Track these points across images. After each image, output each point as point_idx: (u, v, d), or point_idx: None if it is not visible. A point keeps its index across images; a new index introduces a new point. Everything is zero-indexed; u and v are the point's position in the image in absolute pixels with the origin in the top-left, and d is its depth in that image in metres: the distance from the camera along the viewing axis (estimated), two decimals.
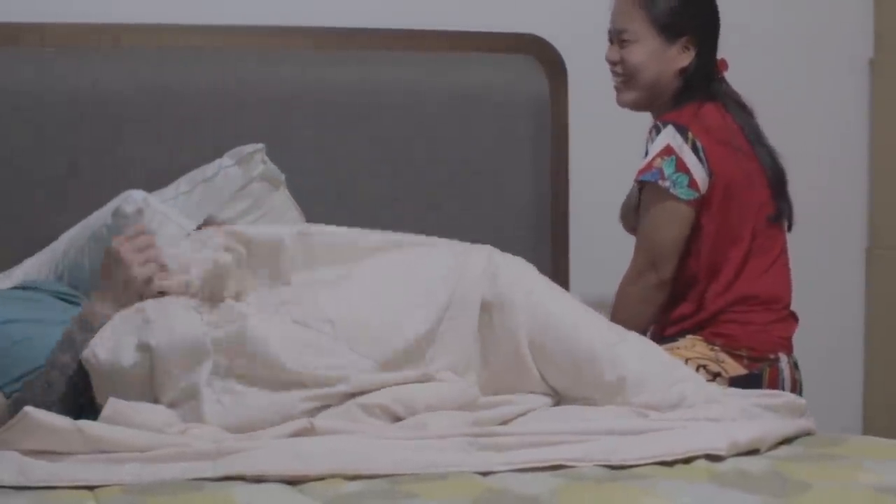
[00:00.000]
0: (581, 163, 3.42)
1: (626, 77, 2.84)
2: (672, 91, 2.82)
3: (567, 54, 3.36)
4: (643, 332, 2.72)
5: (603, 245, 3.48)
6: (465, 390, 2.30)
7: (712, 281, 2.77)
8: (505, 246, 3.29)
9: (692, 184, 2.70)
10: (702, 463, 2.08)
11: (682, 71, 2.81)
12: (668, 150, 2.70)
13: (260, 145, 3.01)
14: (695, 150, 2.70)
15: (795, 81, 3.73)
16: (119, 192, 2.86)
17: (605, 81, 3.46)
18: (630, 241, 3.36)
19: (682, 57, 2.80)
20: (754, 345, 2.75)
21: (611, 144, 3.50)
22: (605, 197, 3.49)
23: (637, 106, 2.88)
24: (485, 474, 2.00)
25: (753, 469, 2.04)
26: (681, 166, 2.70)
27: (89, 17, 3.10)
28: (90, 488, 1.92)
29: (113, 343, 2.18)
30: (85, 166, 3.04)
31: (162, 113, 3.06)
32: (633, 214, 2.91)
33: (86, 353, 2.18)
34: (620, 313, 2.77)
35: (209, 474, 1.94)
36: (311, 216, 3.12)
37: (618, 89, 2.88)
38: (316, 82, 3.18)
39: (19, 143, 3.01)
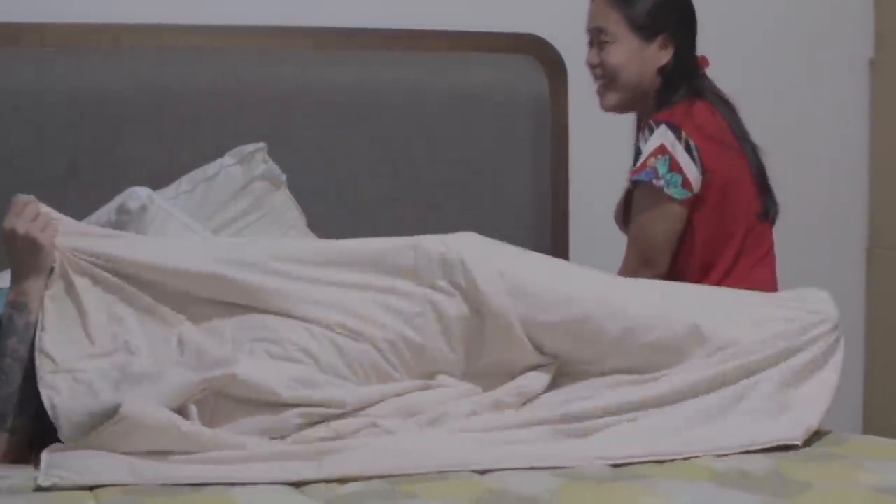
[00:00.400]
0: (581, 163, 3.42)
1: (607, 80, 2.83)
2: (654, 90, 2.82)
3: (567, 54, 3.36)
4: None
5: (603, 245, 3.47)
6: (471, 389, 2.31)
7: (704, 278, 2.77)
8: None
9: (685, 183, 2.70)
10: (702, 462, 2.08)
11: (662, 69, 2.81)
12: (661, 150, 2.70)
13: (261, 144, 3.01)
14: (688, 149, 2.70)
15: (795, 81, 3.73)
16: (119, 192, 2.86)
17: None
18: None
19: (660, 55, 2.80)
20: None
21: (611, 144, 3.50)
22: (604, 197, 3.49)
23: (621, 108, 2.88)
24: (482, 473, 2.01)
25: (754, 469, 2.04)
26: (674, 165, 2.70)
27: (89, 17, 3.10)
28: (120, 486, 1.92)
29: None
30: (85, 166, 3.04)
31: (162, 113, 3.06)
32: (625, 214, 2.91)
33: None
34: None
35: (314, 476, 1.96)
36: (312, 216, 3.12)
37: (600, 94, 2.87)
38: (316, 82, 3.18)
39: (19, 143, 3.01)
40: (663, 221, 2.74)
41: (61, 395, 2.09)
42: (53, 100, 3.01)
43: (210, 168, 2.99)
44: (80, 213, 2.88)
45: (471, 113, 3.27)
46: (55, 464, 1.96)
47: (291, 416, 2.17)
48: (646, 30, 2.78)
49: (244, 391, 2.17)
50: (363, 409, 2.22)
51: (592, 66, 2.85)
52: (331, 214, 3.19)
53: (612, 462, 2.06)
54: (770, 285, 2.82)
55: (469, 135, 3.28)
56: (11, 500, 1.90)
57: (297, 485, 1.95)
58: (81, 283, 2.28)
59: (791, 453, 2.16)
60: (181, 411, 2.09)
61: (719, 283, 2.76)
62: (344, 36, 3.27)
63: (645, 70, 2.80)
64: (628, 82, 2.81)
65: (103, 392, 2.07)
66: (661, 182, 2.69)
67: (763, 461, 2.09)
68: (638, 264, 2.75)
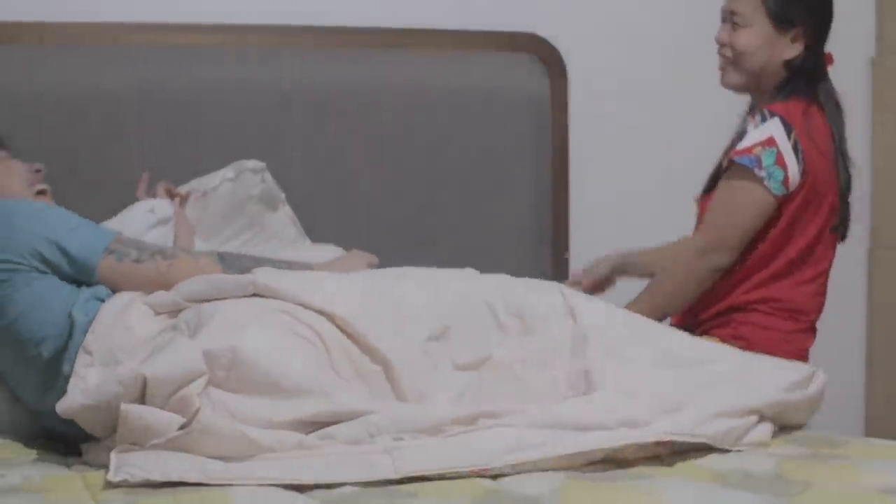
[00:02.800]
0: (581, 163, 3.41)
1: (732, 59, 2.80)
2: (777, 81, 2.78)
3: (567, 54, 3.36)
4: (673, 314, 2.73)
5: (603, 245, 3.46)
6: None
7: (756, 273, 2.75)
8: (505, 246, 3.31)
9: (785, 181, 2.67)
10: (703, 462, 2.08)
11: (789, 62, 2.77)
12: (770, 142, 2.66)
13: (261, 164, 3.02)
14: (795, 149, 2.68)
15: None
16: (119, 193, 2.87)
17: (606, 81, 3.47)
18: (627, 242, 3.36)
19: (790, 48, 2.76)
20: (773, 352, 2.72)
21: (611, 144, 3.50)
22: (605, 197, 3.49)
23: (740, 89, 2.83)
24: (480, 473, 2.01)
25: (755, 469, 2.04)
26: (780, 161, 2.66)
27: (89, 16, 3.10)
28: (126, 487, 1.94)
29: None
30: (85, 166, 3.04)
31: (162, 113, 3.06)
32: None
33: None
34: (668, 285, 2.71)
35: (390, 475, 1.96)
36: (311, 216, 3.12)
37: (722, 70, 2.82)
38: (316, 82, 3.18)
39: (19, 143, 3.00)
40: (753, 211, 2.68)
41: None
42: (53, 99, 3.01)
43: (211, 180, 3.00)
44: (80, 213, 2.88)
45: (471, 113, 3.27)
46: (125, 462, 1.99)
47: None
48: (781, 20, 2.74)
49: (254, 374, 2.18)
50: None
51: (721, 45, 2.81)
52: (330, 215, 3.19)
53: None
54: (816, 305, 2.80)
55: (469, 134, 3.28)
56: (12, 499, 1.90)
57: (299, 488, 1.95)
58: None
59: (792, 453, 2.15)
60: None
61: (767, 282, 2.73)
62: (344, 36, 3.27)
63: (772, 59, 2.76)
64: (752, 68, 2.77)
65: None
66: (763, 173, 2.65)
67: (764, 461, 2.08)
68: (711, 246, 2.69)
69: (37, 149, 3.01)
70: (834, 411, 2.95)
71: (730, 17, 2.78)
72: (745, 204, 2.68)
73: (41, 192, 2.66)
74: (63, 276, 2.38)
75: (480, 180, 3.29)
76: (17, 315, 2.32)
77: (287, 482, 1.95)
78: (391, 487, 1.94)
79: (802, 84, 2.75)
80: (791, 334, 2.77)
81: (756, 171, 2.65)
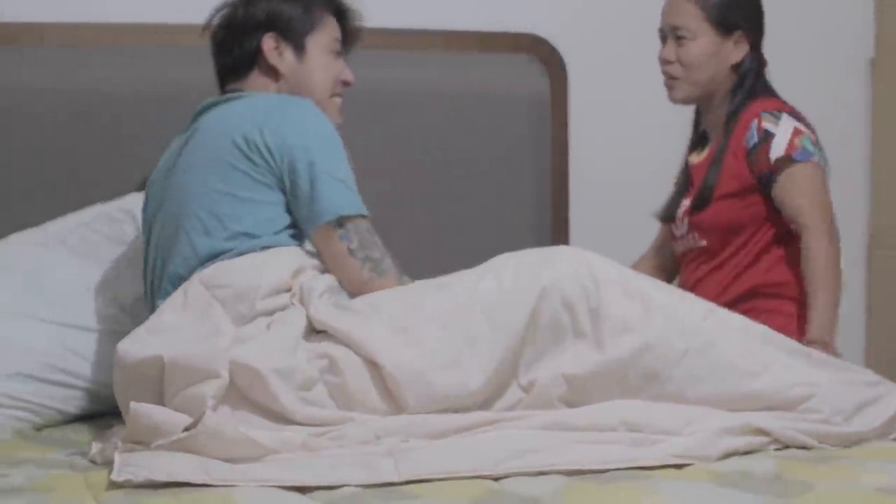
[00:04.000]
0: (581, 163, 3.42)
1: (681, 74, 2.82)
2: (727, 86, 2.83)
3: (567, 54, 3.36)
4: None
5: (603, 245, 3.44)
6: None
7: (769, 252, 2.82)
8: (505, 246, 3.30)
9: (824, 154, 2.80)
10: (703, 462, 2.08)
11: (736, 66, 2.82)
12: (798, 131, 2.76)
13: None
14: (812, 131, 2.80)
15: (795, 81, 3.72)
16: (119, 193, 2.87)
17: (606, 81, 3.47)
18: (628, 242, 3.37)
19: (735, 52, 2.82)
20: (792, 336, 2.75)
21: (611, 144, 3.50)
22: (605, 197, 3.49)
23: (690, 101, 2.89)
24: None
25: (755, 469, 2.04)
26: (815, 142, 2.79)
27: (89, 16, 3.10)
28: (127, 488, 1.94)
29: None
30: (85, 166, 3.04)
31: (162, 113, 3.05)
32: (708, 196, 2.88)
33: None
34: (834, 279, 2.73)
35: (393, 478, 1.95)
36: None
37: (669, 87, 2.86)
38: None
39: (19, 143, 3.01)
40: (827, 187, 2.79)
41: None
42: (53, 100, 3.01)
43: None
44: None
45: (471, 113, 3.28)
46: (129, 462, 1.99)
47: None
48: (724, 25, 2.80)
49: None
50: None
51: (667, 62, 2.84)
52: None
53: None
54: (801, 290, 2.83)
55: (469, 135, 3.28)
56: (12, 499, 1.90)
57: (301, 489, 1.95)
58: None
59: (791, 454, 2.16)
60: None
61: (774, 266, 2.80)
62: None
63: (720, 66, 2.82)
64: (703, 78, 2.83)
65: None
66: (816, 157, 2.77)
67: (764, 461, 2.08)
68: (828, 229, 2.75)
69: (37, 148, 3.02)
70: None
71: (672, 33, 2.82)
72: (820, 183, 2.77)
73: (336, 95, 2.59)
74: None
75: (480, 180, 3.29)
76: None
77: (289, 483, 1.95)
78: (392, 488, 1.94)
79: (754, 83, 2.83)
80: (800, 319, 2.79)
81: (810, 158, 2.75)
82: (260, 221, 2.36)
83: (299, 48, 2.53)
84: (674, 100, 2.88)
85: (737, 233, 2.81)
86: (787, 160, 2.75)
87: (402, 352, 2.18)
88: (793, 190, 2.75)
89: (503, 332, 2.20)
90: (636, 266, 3.03)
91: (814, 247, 2.73)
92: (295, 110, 2.39)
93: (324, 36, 2.56)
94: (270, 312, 2.26)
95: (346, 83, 2.59)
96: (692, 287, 2.85)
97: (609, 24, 3.47)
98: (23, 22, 3.04)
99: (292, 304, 2.28)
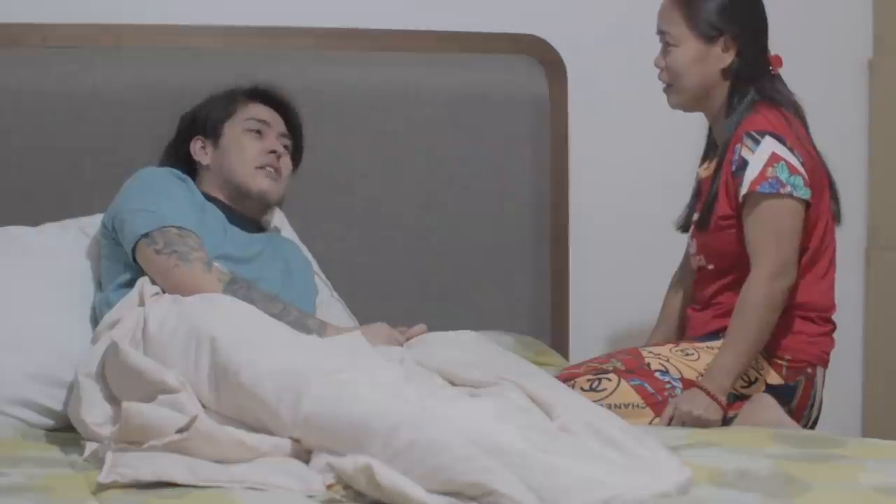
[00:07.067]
0: (581, 163, 3.42)
1: (670, 81, 2.80)
2: (723, 92, 2.78)
3: (567, 54, 3.36)
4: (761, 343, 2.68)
5: (603, 245, 3.48)
6: None
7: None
8: (505, 246, 3.31)
9: (805, 183, 2.69)
10: (702, 462, 2.08)
11: (726, 71, 2.78)
12: (775, 158, 2.66)
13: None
14: (793, 154, 2.68)
15: (795, 82, 3.72)
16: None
17: (606, 81, 3.47)
18: (627, 242, 3.37)
19: (722, 58, 2.76)
20: (799, 355, 2.72)
21: (611, 144, 3.51)
22: (605, 197, 3.50)
23: (685, 108, 2.84)
24: None
25: (754, 469, 2.05)
26: (793, 170, 2.67)
27: (90, 17, 3.10)
28: (125, 487, 1.95)
29: None
30: (85, 166, 3.04)
31: (162, 113, 3.05)
32: (703, 219, 2.82)
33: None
34: (752, 328, 2.65)
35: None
36: (310, 217, 3.12)
37: (666, 92, 2.84)
38: (316, 82, 3.18)
39: (19, 143, 3.01)
40: (796, 224, 2.69)
41: None
42: (54, 100, 3.01)
43: None
44: (80, 213, 2.89)
45: (471, 113, 3.27)
46: (118, 462, 2.01)
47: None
48: (707, 32, 2.75)
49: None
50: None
51: (659, 68, 2.82)
52: (330, 215, 3.19)
53: None
54: (830, 297, 2.79)
55: (469, 135, 3.28)
56: (12, 499, 1.90)
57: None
58: None
59: (791, 453, 2.16)
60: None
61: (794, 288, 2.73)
62: (344, 36, 3.27)
63: (708, 72, 2.76)
64: (690, 85, 2.77)
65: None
66: (788, 188, 2.65)
67: (764, 461, 2.09)
68: (774, 274, 2.66)
69: (38, 149, 3.02)
70: (832, 411, 2.96)
71: (662, 39, 2.80)
72: (787, 221, 2.67)
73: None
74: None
75: (480, 180, 3.29)
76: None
77: (277, 486, 1.96)
78: None
79: (751, 89, 2.76)
80: (818, 337, 2.76)
81: (781, 190, 2.65)
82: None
83: (217, 137, 2.81)
84: (671, 105, 2.85)
85: (741, 256, 2.73)
86: (753, 196, 2.68)
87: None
88: (753, 228, 2.69)
89: None
90: (671, 291, 3.01)
91: (751, 291, 2.66)
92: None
93: (238, 120, 2.81)
94: None
95: (272, 152, 2.79)
96: (706, 304, 2.82)
97: (609, 25, 3.47)
98: (25, 23, 3.05)
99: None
